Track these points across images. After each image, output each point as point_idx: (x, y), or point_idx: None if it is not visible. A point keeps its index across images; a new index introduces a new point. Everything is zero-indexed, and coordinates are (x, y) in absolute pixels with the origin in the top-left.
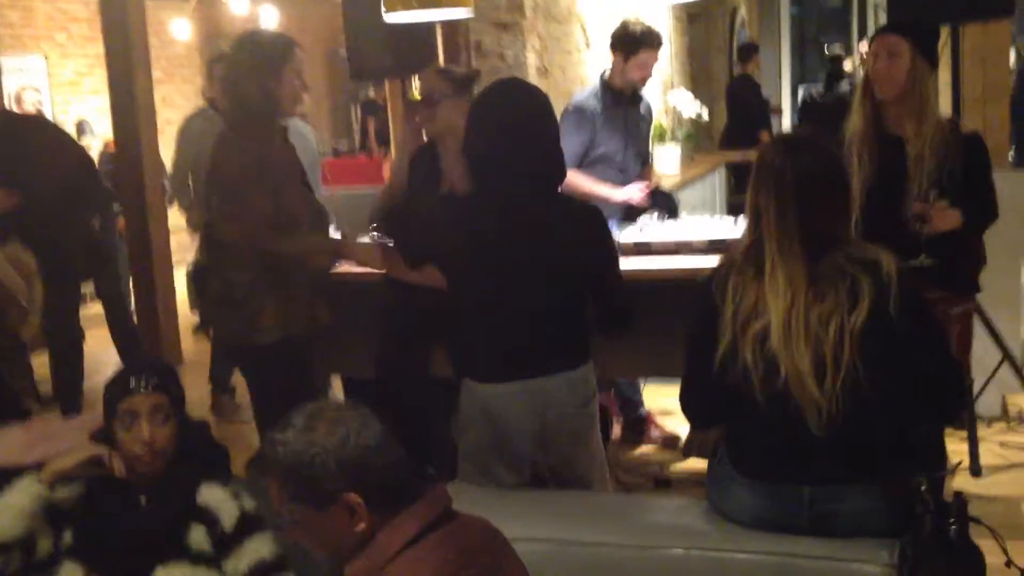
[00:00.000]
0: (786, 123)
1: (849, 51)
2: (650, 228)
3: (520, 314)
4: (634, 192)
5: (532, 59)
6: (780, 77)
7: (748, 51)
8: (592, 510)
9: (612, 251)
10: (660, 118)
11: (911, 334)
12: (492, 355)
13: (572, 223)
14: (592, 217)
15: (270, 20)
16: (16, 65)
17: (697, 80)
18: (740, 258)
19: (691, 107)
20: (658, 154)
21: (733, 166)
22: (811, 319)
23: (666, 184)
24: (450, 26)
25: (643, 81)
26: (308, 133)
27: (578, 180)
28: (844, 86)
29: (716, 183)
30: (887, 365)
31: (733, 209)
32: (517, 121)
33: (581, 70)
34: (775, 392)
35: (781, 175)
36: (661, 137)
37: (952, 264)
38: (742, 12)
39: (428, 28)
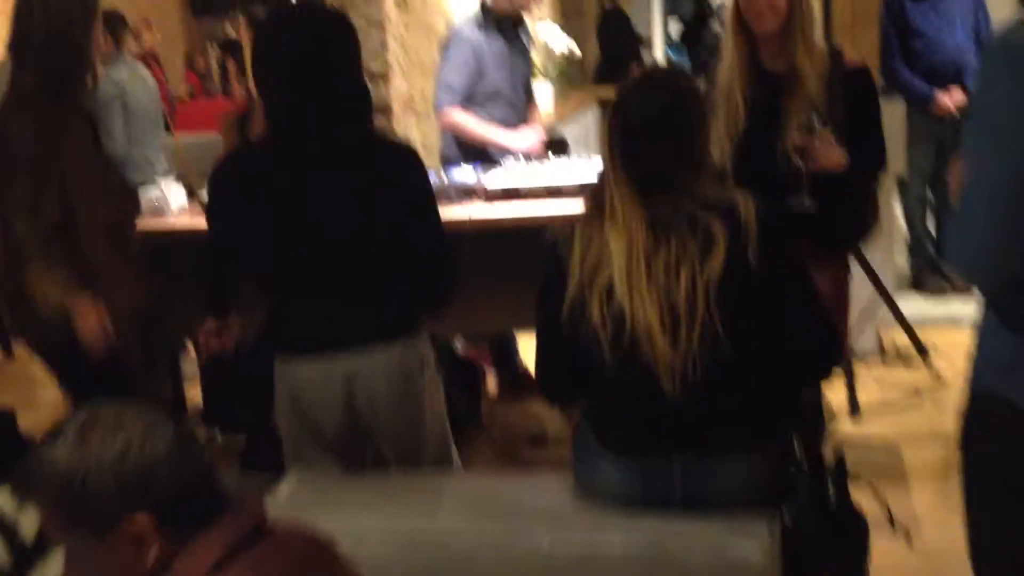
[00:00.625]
0: (658, 56)
1: None
2: (517, 171)
3: (317, 280)
4: (532, 139)
5: None
6: (651, 10)
7: None
8: (446, 494)
9: (424, 206)
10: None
11: (774, 283)
12: (292, 326)
13: (375, 167)
14: (400, 159)
15: None
16: None
17: (568, 15)
18: (588, 203)
19: (562, 42)
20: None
21: (606, 103)
22: (655, 267)
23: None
24: None
25: (528, 5)
26: (148, 77)
27: (467, 123)
28: (715, 26)
29: (590, 122)
30: (748, 318)
31: None
32: (293, 49)
33: (443, 2)
34: (625, 351)
35: (626, 114)
36: (532, 73)
37: (832, 216)
38: None
39: None
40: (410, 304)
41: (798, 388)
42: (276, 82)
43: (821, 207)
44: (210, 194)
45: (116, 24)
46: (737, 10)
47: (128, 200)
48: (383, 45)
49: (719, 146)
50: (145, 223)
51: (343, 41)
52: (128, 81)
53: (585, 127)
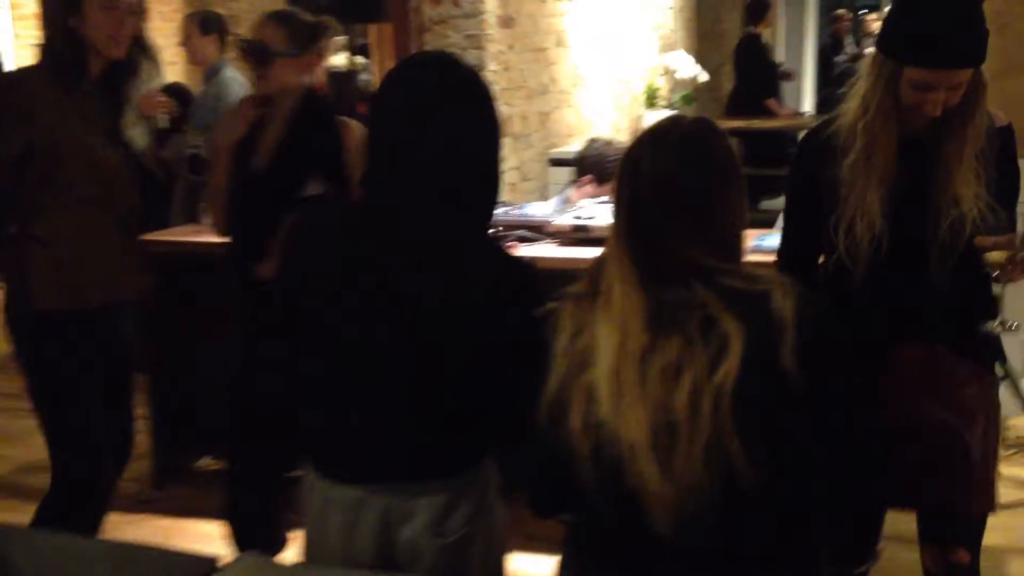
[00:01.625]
0: (807, 92)
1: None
2: (591, 209)
3: (373, 391)
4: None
5: (493, 5)
6: (804, 41)
7: (758, 8)
8: None
9: (528, 356)
10: (654, 80)
11: (815, 399)
12: (331, 441)
13: (480, 282)
14: (515, 282)
15: None
16: None
17: (707, 39)
18: (585, 279)
19: (688, 68)
20: (648, 119)
21: (740, 134)
22: (649, 370)
23: None
24: None
25: None
26: (244, 82)
27: None
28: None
29: None
30: (772, 441)
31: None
32: (419, 107)
33: (557, 23)
34: (607, 473)
35: (632, 173)
36: (652, 101)
37: (969, 316)
38: None
39: None
40: (477, 430)
41: (839, 525)
42: (389, 140)
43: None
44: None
45: (220, 27)
46: (890, 78)
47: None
48: (481, 64)
49: (852, 215)
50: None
51: (494, 118)
52: (231, 86)
53: None
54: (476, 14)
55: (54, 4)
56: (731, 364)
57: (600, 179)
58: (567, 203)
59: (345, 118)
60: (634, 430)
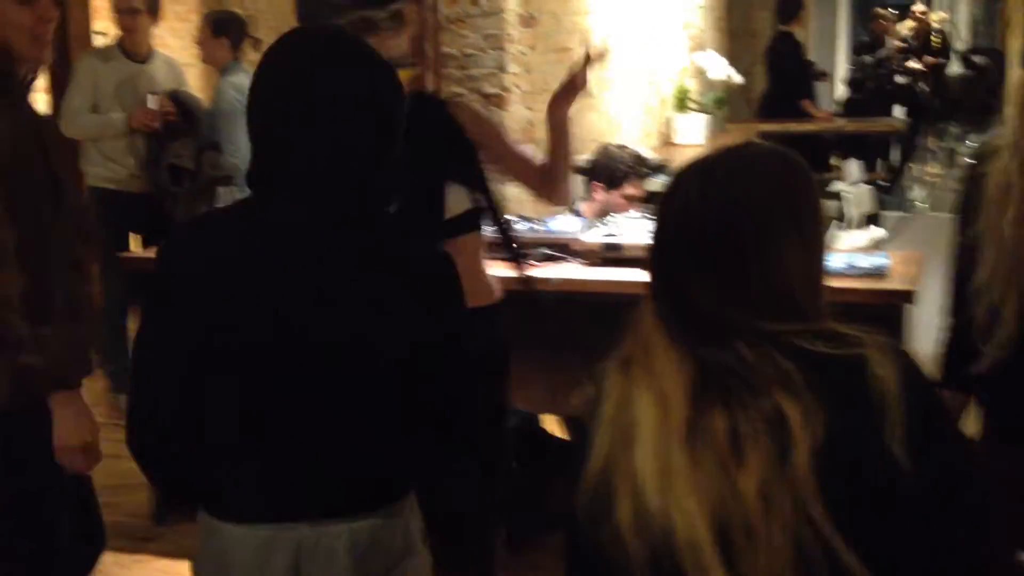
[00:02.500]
0: (839, 93)
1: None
2: (624, 224)
3: (281, 415)
4: None
5: (512, 3)
6: (835, 40)
7: (790, 6)
8: None
9: (455, 332)
10: (684, 81)
11: (920, 491)
12: (231, 478)
13: (392, 274)
14: (432, 268)
15: None
16: None
17: (737, 37)
18: (627, 340)
19: (720, 68)
20: (679, 123)
21: (774, 138)
22: (701, 451)
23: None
24: None
25: None
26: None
27: None
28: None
29: None
30: (871, 539)
31: None
32: (315, 94)
33: (581, 21)
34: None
35: (674, 211)
36: (682, 104)
37: None
38: None
39: None
40: (405, 456)
41: None
42: (281, 128)
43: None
44: (161, 276)
45: (233, 29)
46: None
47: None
48: (501, 66)
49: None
50: None
51: (399, 103)
52: (226, 91)
53: None
54: (495, 12)
55: None
56: (807, 449)
57: (609, 184)
58: (582, 217)
59: (458, 100)
60: (691, 526)
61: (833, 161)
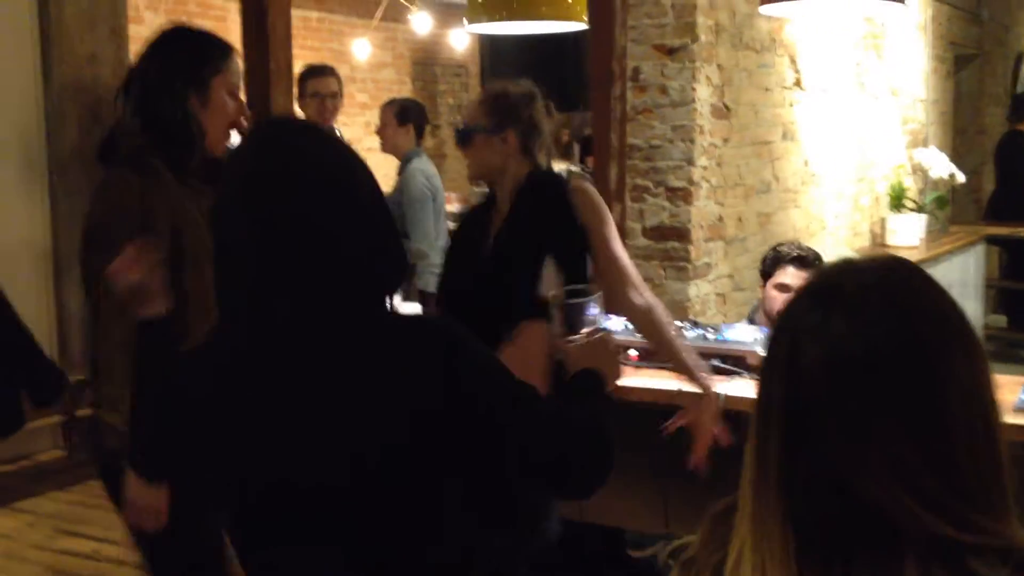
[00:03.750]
0: None
1: None
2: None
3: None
4: None
5: (705, 94)
6: None
7: (1021, 104)
8: None
9: (496, 398)
10: (902, 179)
11: None
12: None
13: (397, 363)
14: (434, 341)
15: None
16: None
17: (964, 135)
18: (698, 538)
19: (943, 167)
20: (894, 223)
21: (1002, 243)
22: None
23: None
24: (603, 49)
25: None
26: (430, 174)
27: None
28: None
29: (971, 262)
30: None
31: (1001, 297)
32: (279, 189)
33: (785, 113)
34: None
35: (793, 352)
36: (898, 202)
37: None
38: None
39: (576, 51)
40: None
41: None
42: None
43: None
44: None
45: (417, 117)
46: None
47: None
48: (689, 158)
49: None
50: None
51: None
52: (437, 177)
53: (967, 267)
54: (686, 103)
55: (173, 72)
56: None
57: (764, 278)
58: (761, 326)
59: (581, 183)
60: None
61: None
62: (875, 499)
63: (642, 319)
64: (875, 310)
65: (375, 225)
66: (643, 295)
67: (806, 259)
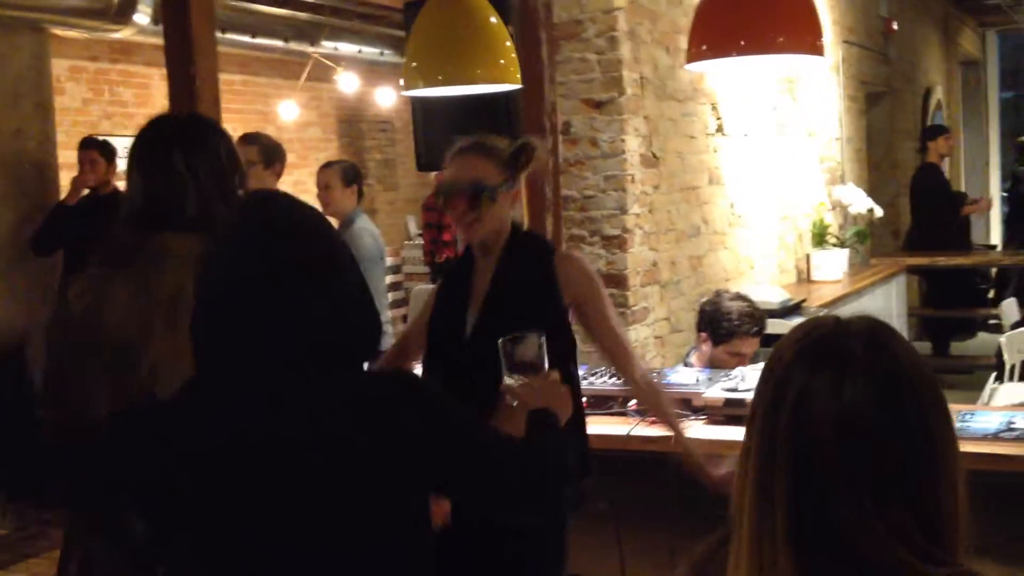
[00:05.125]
0: (995, 225)
1: None
2: (749, 377)
3: None
4: None
5: (634, 144)
6: (988, 169)
7: (933, 134)
8: None
9: (458, 443)
10: (823, 216)
11: None
12: None
13: (361, 423)
14: (389, 389)
15: (386, 100)
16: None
17: (879, 170)
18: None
19: (861, 202)
20: (817, 259)
21: (922, 272)
22: None
23: (827, 293)
24: (534, 104)
25: None
26: (375, 234)
27: None
28: None
29: (893, 293)
30: None
31: (923, 325)
32: (265, 263)
33: (709, 159)
34: None
35: (801, 406)
36: (821, 239)
37: None
38: (938, 93)
39: (508, 107)
40: None
41: None
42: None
43: None
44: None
45: (359, 178)
46: None
47: None
48: (622, 207)
49: None
50: None
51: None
52: (363, 236)
53: (890, 297)
54: (616, 154)
55: (224, 162)
56: None
57: (714, 340)
58: (700, 368)
59: (569, 252)
60: None
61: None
62: (863, 545)
63: (645, 390)
64: (880, 375)
65: (359, 300)
66: (639, 365)
67: (762, 330)
